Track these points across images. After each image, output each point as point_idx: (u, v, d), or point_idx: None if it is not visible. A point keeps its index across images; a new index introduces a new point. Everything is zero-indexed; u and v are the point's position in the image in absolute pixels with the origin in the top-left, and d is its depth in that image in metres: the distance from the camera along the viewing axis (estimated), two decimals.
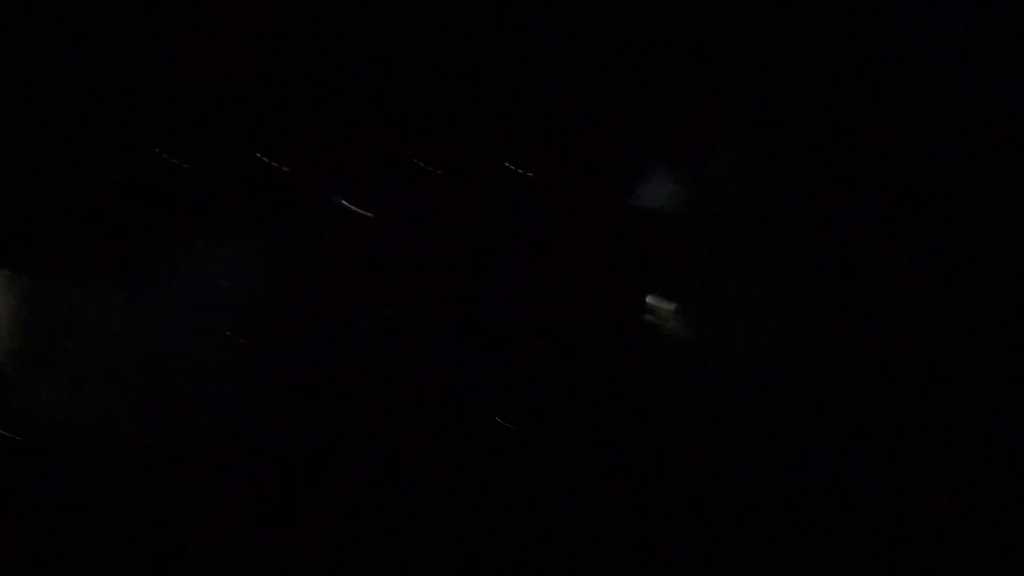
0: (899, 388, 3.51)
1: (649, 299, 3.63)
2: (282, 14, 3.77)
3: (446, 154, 4.26)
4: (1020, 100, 3.57)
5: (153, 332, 4.11)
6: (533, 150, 4.24)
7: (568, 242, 4.13)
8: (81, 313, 4.15)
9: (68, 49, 3.63)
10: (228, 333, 3.98)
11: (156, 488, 3.57)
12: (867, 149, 3.87)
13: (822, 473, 3.40)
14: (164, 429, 3.81)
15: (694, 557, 3.32)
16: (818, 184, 3.93)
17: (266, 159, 3.96)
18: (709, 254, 4.04)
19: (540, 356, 3.95)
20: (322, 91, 4.03)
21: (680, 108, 4.01)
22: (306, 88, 4.00)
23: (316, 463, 3.64)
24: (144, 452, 3.68)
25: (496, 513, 3.46)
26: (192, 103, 3.91)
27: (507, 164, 4.07)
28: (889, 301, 3.67)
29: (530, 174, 4.07)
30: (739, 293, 3.87)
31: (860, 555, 3.17)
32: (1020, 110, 3.58)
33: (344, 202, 4.00)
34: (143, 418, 3.86)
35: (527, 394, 3.81)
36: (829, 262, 3.82)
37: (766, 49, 3.86)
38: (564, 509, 3.49)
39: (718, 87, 3.95)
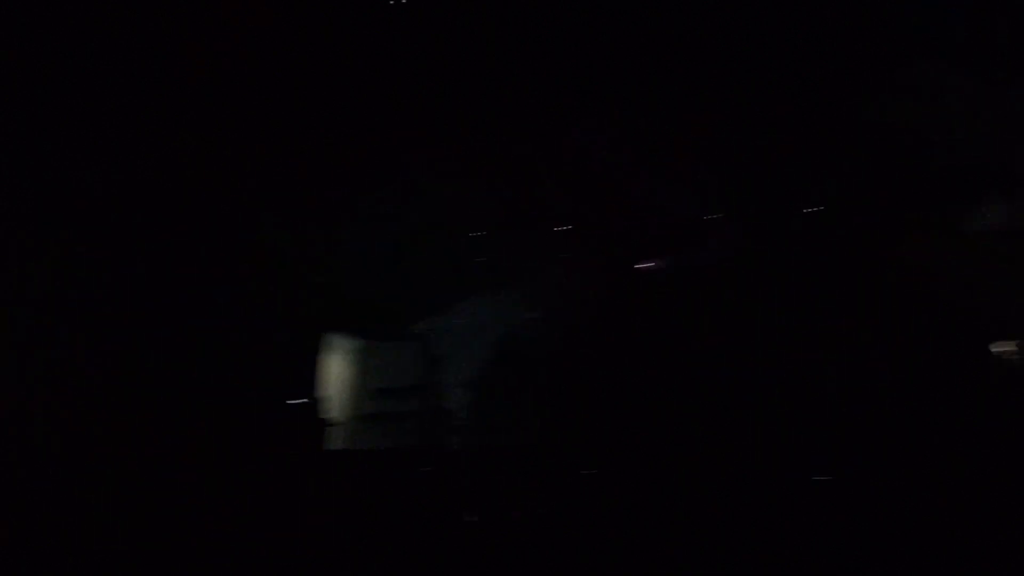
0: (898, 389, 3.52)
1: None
2: (282, 14, 3.77)
3: (445, 153, 4.26)
4: (1020, 100, 3.58)
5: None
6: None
7: None
8: None
9: (68, 49, 3.63)
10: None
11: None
12: (867, 148, 3.87)
13: (822, 473, 3.40)
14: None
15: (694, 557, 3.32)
16: (817, 184, 3.93)
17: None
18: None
19: None
20: (322, 91, 4.04)
21: (680, 108, 4.01)
22: (306, 88, 4.01)
23: None
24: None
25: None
26: (192, 103, 3.91)
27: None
28: (889, 301, 3.67)
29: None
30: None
31: (860, 555, 3.17)
32: (1020, 110, 3.58)
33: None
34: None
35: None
36: (827, 263, 3.82)
37: (766, 49, 3.86)
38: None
39: (718, 87, 3.95)
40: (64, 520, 3.30)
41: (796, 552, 3.27)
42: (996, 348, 3.46)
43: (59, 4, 3.55)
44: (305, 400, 4.27)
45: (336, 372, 4.85)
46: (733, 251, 4.01)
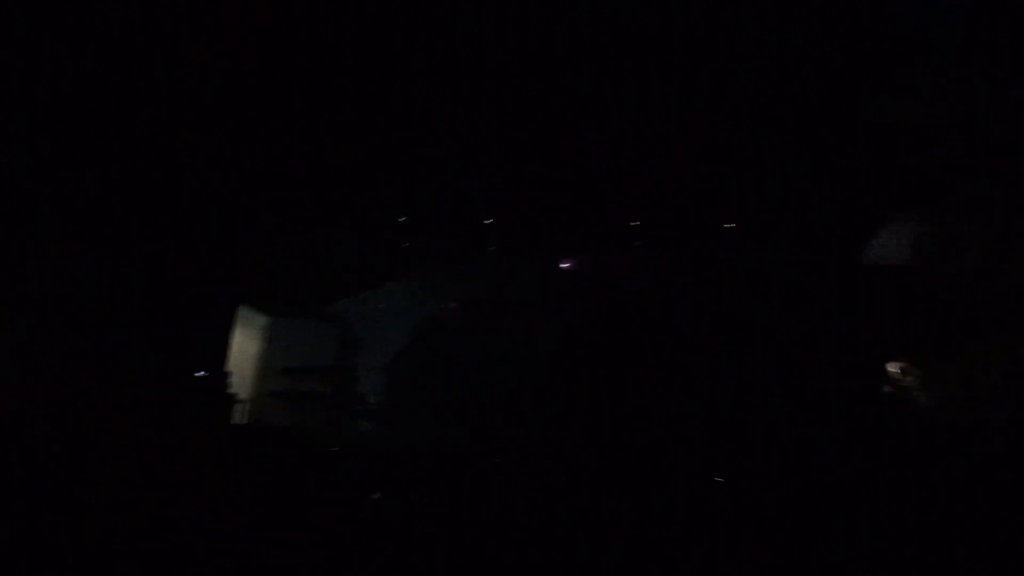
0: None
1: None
2: (282, 14, 3.77)
3: (446, 153, 4.26)
4: (1020, 100, 3.57)
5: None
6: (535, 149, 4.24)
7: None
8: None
9: (68, 49, 3.63)
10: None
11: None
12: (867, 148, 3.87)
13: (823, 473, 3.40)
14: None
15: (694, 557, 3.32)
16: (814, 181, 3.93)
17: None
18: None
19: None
20: (322, 91, 4.03)
21: (680, 108, 4.01)
22: (306, 88, 4.00)
23: None
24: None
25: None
26: (192, 103, 3.91)
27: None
28: (892, 300, 3.67)
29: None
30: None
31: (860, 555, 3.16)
32: (1020, 110, 3.57)
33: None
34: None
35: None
36: (825, 260, 3.82)
37: (766, 49, 3.86)
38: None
39: (719, 87, 3.95)
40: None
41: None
42: (890, 367, 3.53)
43: (59, 4, 3.55)
44: (213, 374, 4.22)
45: (246, 349, 4.80)
46: (654, 252, 4.05)
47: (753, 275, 3.88)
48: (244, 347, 4.65)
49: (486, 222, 4.19)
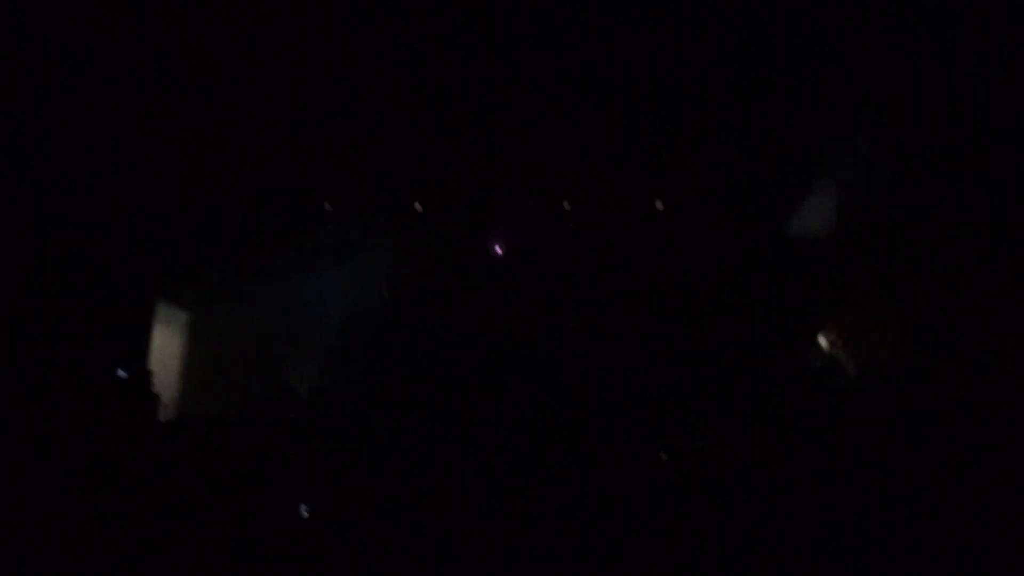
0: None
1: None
2: (282, 14, 3.78)
3: (445, 154, 4.27)
4: (1020, 100, 3.58)
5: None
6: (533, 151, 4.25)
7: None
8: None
9: (68, 49, 3.64)
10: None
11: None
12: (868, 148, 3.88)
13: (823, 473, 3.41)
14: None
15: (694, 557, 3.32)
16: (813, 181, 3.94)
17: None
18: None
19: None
20: (322, 91, 4.04)
21: (680, 108, 4.02)
22: (306, 88, 4.01)
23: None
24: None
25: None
26: (192, 103, 3.91)
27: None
28: (876, 301, 3.68)
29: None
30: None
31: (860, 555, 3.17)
32: (1020, 110, 3.58)
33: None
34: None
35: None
36: (822, 261, 3.83)
37: (767, 49, 3.87)
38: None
39: (718, 87, 3.95)
40: None
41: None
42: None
43: (59, 4, 3.56)
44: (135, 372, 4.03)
45: (168, 345, 4.59)
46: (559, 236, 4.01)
47: (753, 275, 3.87)
48: (166, 343, 4.50)
49: (416, 206, 4.09)
